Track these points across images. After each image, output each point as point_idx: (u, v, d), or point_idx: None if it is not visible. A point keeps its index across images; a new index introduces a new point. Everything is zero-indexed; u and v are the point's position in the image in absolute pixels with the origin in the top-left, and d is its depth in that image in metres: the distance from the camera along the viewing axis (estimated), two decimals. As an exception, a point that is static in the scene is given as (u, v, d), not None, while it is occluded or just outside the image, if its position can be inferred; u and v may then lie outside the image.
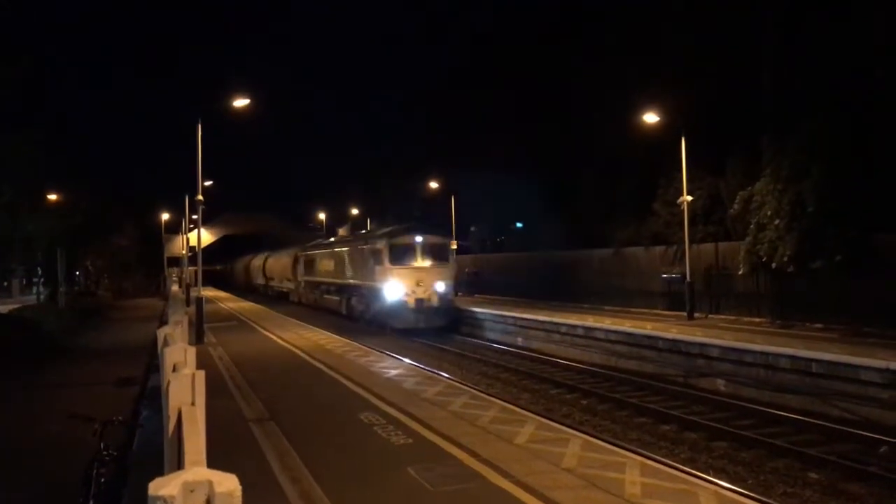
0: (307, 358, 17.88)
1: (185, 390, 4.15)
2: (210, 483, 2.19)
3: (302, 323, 28.37)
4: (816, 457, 11.31)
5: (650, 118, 26.08)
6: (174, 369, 5.03)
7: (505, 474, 7.63)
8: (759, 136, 23.55)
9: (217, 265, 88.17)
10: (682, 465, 10.10)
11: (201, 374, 4.31)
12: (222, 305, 42.69)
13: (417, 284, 29.28)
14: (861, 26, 20.72)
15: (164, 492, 2.13)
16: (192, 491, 2.17)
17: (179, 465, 3.34)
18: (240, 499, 2.20)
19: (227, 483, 2.19)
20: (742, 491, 8.52)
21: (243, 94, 24.16)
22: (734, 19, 26.12)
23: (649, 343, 20.18)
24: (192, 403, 4.08)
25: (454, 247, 33.91)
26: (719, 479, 9.71)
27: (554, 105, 39.89)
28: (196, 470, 2.26)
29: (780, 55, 23.87)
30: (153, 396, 12.79)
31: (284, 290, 50.41)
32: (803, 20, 23.32)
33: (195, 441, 3.25)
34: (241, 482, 2.26)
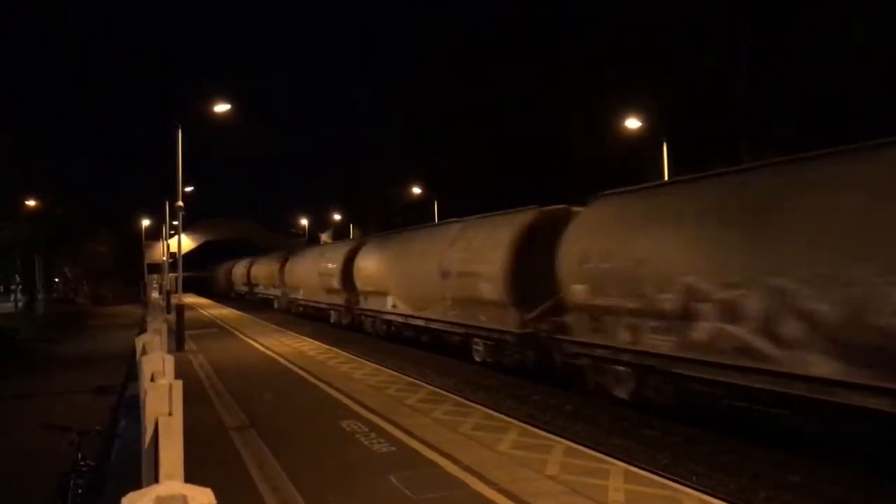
0: (289, 365, 17.76)
1: (162, 401, 4.08)
2: (184, 497, 2.15)
3: (284, 330, 28.18)
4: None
5: (632, 123, 26.17)
6: (152, 378, 4.97)
7: (486, 481, 7.61)
8: (737, 140, 23.76)
9: (198, 271, 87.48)
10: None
11: (179, 384, 4.24)
12: (203, 312, 42.34)
13: None
14: (838, 32, 21.01)
15: (137, 507, 2.09)
16: (165, 506, 2.13)
17: (156, 477, 3.29)
18: (215, 513, 2.17)
19: (202, 497, 2.15)
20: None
21: (224, 100, 23.98)
22: (711, 27, 26.38)
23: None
24: (170, 414, 4.02)
25: None
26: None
27: (532, 112, 39.97)
28: (170, 484, 2.22)
29: (755, 62, 24.15)
30: (132, 405, 12.65)
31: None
32: (779, 29, 23.61)
33: (171, 453, 3.21)
34: (221, 491, 2.22)
